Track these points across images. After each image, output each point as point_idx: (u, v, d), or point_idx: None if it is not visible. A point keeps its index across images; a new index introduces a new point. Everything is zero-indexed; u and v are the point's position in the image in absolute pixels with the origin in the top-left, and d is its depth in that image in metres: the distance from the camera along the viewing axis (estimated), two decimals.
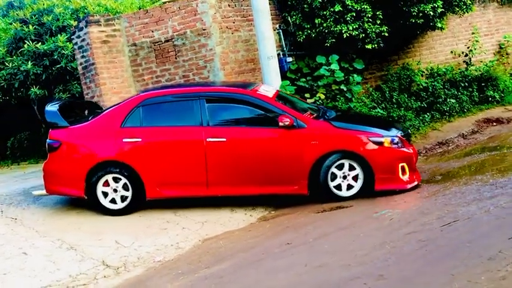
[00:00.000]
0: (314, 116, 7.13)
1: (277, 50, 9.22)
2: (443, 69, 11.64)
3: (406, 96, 10.77)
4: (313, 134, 6.73)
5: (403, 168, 6.76)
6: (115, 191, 6.93)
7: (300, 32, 9.78)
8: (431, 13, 9.58)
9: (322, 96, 9.16)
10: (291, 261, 4.88)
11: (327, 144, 6.68)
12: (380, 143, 6.72)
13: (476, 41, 12.34)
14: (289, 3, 9.69)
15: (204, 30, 8.97)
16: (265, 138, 6.81)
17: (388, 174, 6.69)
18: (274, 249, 5.28)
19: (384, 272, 4.19)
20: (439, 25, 10.25)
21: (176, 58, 9.19)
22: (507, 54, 13.24)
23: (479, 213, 5.26)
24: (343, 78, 9.48)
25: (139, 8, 12.47)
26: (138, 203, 6.97)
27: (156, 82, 9.32)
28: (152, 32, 9.23)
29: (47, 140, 7.17)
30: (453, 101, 10.95)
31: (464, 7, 10.58)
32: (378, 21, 9.44)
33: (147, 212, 6.99)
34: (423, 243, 4.67)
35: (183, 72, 9.19)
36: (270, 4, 8.95)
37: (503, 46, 13.21)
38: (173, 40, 9.16)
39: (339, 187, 6.73)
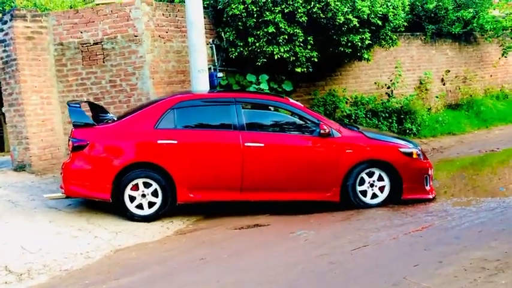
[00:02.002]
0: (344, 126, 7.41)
1: (208, 64, 9.22)
2: (367, 99, 12.09)
3: None
4: (348, 143, 6.95)
5: (426, 179, 7.11)
6: (143, 195, 6.67)
7: (233, 49, 9.86)
8: (359, 44, 9.96)
9: None
10: (204, 276, 4.84)
11: (360, 153, 6.93)
12: (410, 154, 7.05)
13: (399, 75, 12.93)
14: (224, 19, 9.75)
15: (135, 36, 8.83)
16: (302, 145, 6.93)
17: (416, 184, 7.04)
18: (188, 263, 5.23)
19: None
20: (366, 56, 10.68)
21: (104, 62, 8.97)
22: (426, 89, 13.96)
23: (388, 239, 5.47)
24: None
25: (70, 7, 12.10)
26: (166, 209, 6.74)
27: (80, 84, 9.03)
28: (81, 32, 8.97)
29: (71, 139, 6.77)
30: None
31: (390, 41, 11.10)
32: (309, 46, 9.69)
33: (58, 217, 6.71)
34: (333, 266, 4.79)
35: (110, 76, 8.97)
36: (204, 18, 8.97)
37: (423, 82, 13.93)
38: (102, 43, 8.93)
39: (366, 194, 6.95)
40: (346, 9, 9.42)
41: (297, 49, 9.56)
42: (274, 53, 9.45)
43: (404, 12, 11.00)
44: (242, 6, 9.24)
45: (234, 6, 9.28)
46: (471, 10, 14.42)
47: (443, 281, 4.17)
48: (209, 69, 9.36)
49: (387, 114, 11.98)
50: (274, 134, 7.01)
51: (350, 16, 9.44)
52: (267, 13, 9.25)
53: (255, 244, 5.77)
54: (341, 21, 9.38)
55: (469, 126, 13.42)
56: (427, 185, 7.14)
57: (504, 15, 15.51)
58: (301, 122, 7.06)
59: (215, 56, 9.94)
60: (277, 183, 6.88)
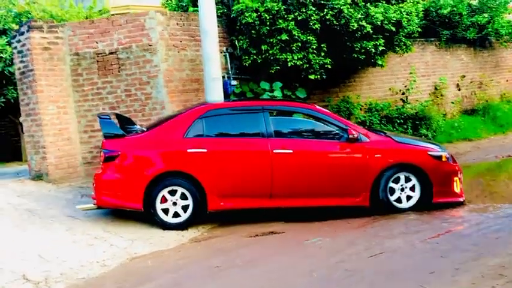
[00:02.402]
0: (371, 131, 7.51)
1: (222, 73, 9.26)
2: (381, 105, 12.05)
3: None
4: (376, 147, 6.99)
5: (456, 182, 7.12)
6: (174, 204, 6.76)
7: (246, 57, 9.90)
8: (373, 50, 9.95)
9: None
10: (219, 284, 4.84)
11: (389, 157, 6.94)
12: (439, 158, 7.07)
13: (414, 81, 12.87)
14: (237, 27, 9.81)
15: (150, 46, 8.91)
16: (330, 151, 6.98)
17: (446, 187, 7.05)
18: (203, 271, 5.23)
19: None
20: (380, 62, 10.66)
21: (119, 71, 9.06)
22: (441, 95, 13.88)
23: (404, 246, 5.43)
24: None
25: (86, 18, 12.27)
26: (197, 217, 6.82)
27: (96, 94, 9.13)
28: (96, 43, 9.08)
29: (103, 150, 6.88)
30: None
31: (404, 47, 11.06)
32: (322, 53, 9.70)
33: (74, 226, 6.77)
34: (349, 273, 4.76)
35: (125, 86, 9.06)
36: (218, 27, 9.03)
37: (438, 88, 13.85)
38: (117, 53, 9.03)
39: (398, 200, 6.97)
40: (359, 16, 9.42)
41: (310, 56, 9.57)
42: (288, 60, 9.47)
43: (418, 18, 10.96)
44: (255, 15, 9.29)
45: (247, 15, 9.33)
46: (486, 15, 14.32)
47: None
48: (223, 77, 9.39)
49: (402, 121, 11.93)
50: (302, 140, 7.06)
51: (363, 23, 9.43)
52: (280, 21, 9.29)
53: (270, 252, 5.76)
54: (354, 28, 9.38)
55: (485, 132, 13.29)
56: (457, 188, 7.14)
57: None
58: (329, 128, 7.08)
59: (229, 64, 9.99)
60: (306, 189, 6.93)
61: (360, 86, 12.41)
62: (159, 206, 6.73)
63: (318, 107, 7.50)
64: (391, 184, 6.92)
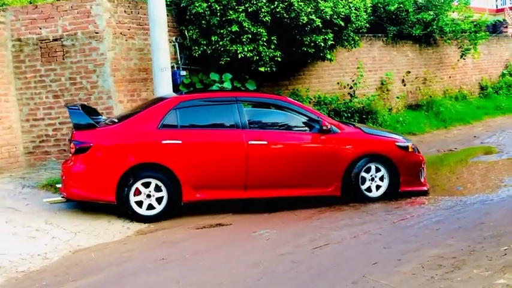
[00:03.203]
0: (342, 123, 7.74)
1: (171, 63, 9.13)
2: (330, 99, 12.21)
3: None
4: (348, 138, 7.20)
5: (421, 172, 7.43)
6: (148, 196, 6.62)
7: (196, 47, 9.79)
8: (322, 44, 10.04)
9: None
10: (164, 277, 4.79)
11: (360, 148, 7.16)
12: (406, 148, 7.36)
13: (361, 76, 13.11)
14: (187, 17, 9.68)
15: (96, 33, 8.67)
16: (303, 142, 7.12)
17: (412, 177, 7.33)
18: (148, 264, 5.16)
19: None
20: (329, 56, 10.79)
21: (64, 59, 8.77)
22: (387, 90, 14.20)
23: (348, 237, 5.53)
24: None
25: (30, 2, 11.80)
26: (171, 209, 6.69)
27: (39, 81, 8.81)
28: (40, 28, 8.75)
29: (73, 141, 6.64)
30: None
31: (353, 42, 11.24)
32: (272, 46, 9.72)
33: (15, 218, 6.53)
34: (295, 265, 4.81)
35: (70, 74, 8.77)
36: (168, 16, 8.89)
37: (384, 83, 14.17)
38: (62, 40, 8.73)
39: (368, 189, 7.18)
40: (309, 10, 9.48)
41: (261, 48, 9.57)
42: (238, 52, 9.43)
43: (366, 13, 11.16)
44: (205, 5, 9.20)
45: (197, 5, 9.22)
46: (431, 13, 14.75)
47: (402, 279, 4.25)
48: (172, 67, 9.27)
49: (349, 114, 12.14)
50: (276, 132, 7.15)
51: (313, 16, 9.51)
52: (231, 12, 9.23)
53: (217, 244, 5.74)
54: (304, 21, 9.44)
55: (429, 126, 13.72)
56: (421, 177, 7.44)
57: (463, 18, 15.93)
58: (301, 119, 7.20)
59: (178, 54, 9.86)
60: (280, 180, 7.00)
61: (309, 79, 12.53)
62: (132, 199, 6.58)
63: (290, 99, 7.65)
64: (363, 174, 7.12)
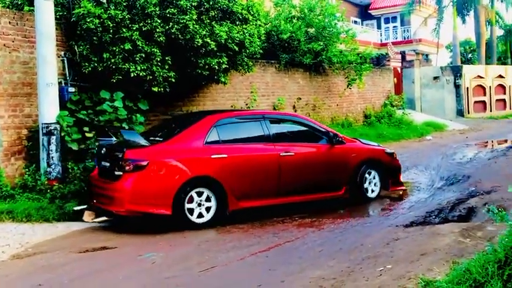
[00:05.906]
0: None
1: (59, 78, 8.76)
2: None
3: None
4: (352, 148, 8.71)
5: (400, 174, 9.29)
6: (199, 205, 7.11)
7: (86, 64, 9.45)
8: (217, 67, 10.14)
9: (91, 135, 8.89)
10: None
11: (362, 156, 8.72)
12: (391, 154, 9.20)
13: (254, 100, 13.43)
14: (78, 32, 9.33)
15: None
16: (321, 152, 8.35)
17: (397, 178, 9.16)
18: None
19: None
20: (223, 80, 10.91)
21: None
22: None
23: (235, 260, 5.57)
24: (126, 117, 9.38)
25: None
26: (218, 218, 7.19)
27: None
28: None
29: (129, 160, 6.89)
30: None
31: (246, 67, 11.47)
32: (167, 66, 9.64)
33: None
34: None
35: None
36: (57, 29, 8.54)
37: (276, 107, 14.59)
38: None
39: (367, 190, 8.72)
40: (204, 33, 9.56)
41: (154, 68, 9.46)
42: (131, 70, 9.24)
43: (260, 40, 11.45)
44: (98, 21, 8.93)
45: (88, 20, 8.92)
46: (321, 43, 15.52)
47: None
48: (60, 83, 8.87)
49: None
50: (298, 144, 8.26)
51: (208, 39, 9.59)
52: (124, 30, 9.05)
53: (100, 268, 5.52)
54: (199, 44, 9.50)
55: None
56: (401, 179, 9.29)
57: (350, 50, 16.92)
58: (316, 133, 8.49)
59: (67, 69, 9.44)
60: (304, 186, 8.08)
61: (203, 101, 12.58)
62: (186, 206, 7.01)
63: (303, 116, 9.10)
64: (366, 176, 8.62)
